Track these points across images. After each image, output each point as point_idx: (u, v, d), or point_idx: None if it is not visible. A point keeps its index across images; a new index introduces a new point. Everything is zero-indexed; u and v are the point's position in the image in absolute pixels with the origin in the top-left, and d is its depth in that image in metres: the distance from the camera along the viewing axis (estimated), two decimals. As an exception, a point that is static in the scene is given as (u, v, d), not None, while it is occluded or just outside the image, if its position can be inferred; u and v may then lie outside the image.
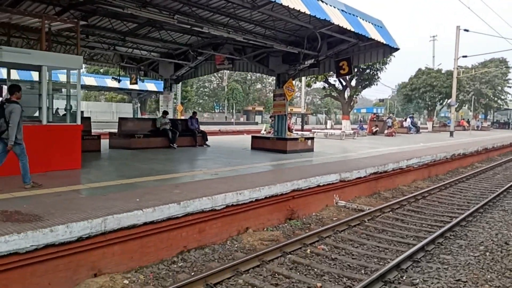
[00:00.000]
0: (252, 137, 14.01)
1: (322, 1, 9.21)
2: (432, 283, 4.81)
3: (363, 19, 10.39)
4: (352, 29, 9.54)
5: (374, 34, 10.45)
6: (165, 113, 13.99)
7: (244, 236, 6.58)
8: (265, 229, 7.12)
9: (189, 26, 10.04)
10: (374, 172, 10.38)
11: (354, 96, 25.25)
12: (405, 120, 31.62)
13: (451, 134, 27.07)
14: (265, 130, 21.28)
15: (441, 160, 15.01)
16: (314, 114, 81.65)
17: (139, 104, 40.26)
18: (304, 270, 5.33)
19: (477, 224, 7.78)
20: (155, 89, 36.80)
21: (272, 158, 11.50)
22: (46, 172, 7.49)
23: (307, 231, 7.01)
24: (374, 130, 25.42)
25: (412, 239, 6.83)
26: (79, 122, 8.17)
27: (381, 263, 5.62)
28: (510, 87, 51.26)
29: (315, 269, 5.34)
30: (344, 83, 25.12)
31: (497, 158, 21.26)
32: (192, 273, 5.07)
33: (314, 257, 5.83)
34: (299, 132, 20.83)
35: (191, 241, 5.84)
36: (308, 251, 6.05)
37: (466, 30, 26.65)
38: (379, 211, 8.55)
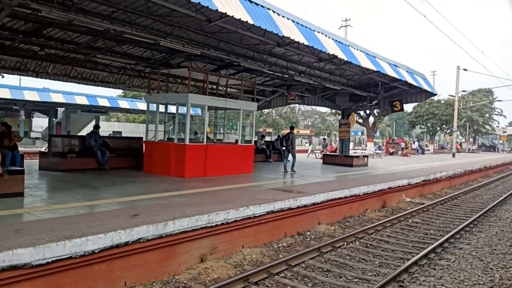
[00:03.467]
0: (324, 155, 18.41)
1: (388, 62, 13.71)
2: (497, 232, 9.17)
3: (414, 74, 14.99)
4: (414, 83, 14.15)
5: (421, 84, 15.06)
6: (263, 136, 18.30)
7: (369, 214, 10.89)
8: (375, 211, 11.44)
9: (280, 74, 14.08)
10: (424, 180, 14.81)
11: (378, 123, 29.99)
12: (413, 143, 36.51)
13: (453, 155, 31.85)
14: (311, 150, 25.64)
15: (457, 175, 19.52)
16: (317, 136, 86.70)
17: (172, 126, 44.38)
18: (408, 231, 9.61)
19: (501, 210, 12.20)
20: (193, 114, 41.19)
21: (347, 170, 15.77)
22: (238, 174, 11.74)
23: (397, 214, 11.27)
24: (391, 151, 30.07)
25: (463, 216, 11.16)
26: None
27: (455, 222, 9.95)
28: (496, 114, 57.00)
29: (416, 230, 9.66)
30: (368, 112, 29.87)
31: (493, 175, 25.88)
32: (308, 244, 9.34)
33: (414, 226, 10.06)
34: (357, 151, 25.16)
35: (296, 227, 10.13)
36: (404, 223, 10.26)
37: (465, 70, 31.66)
38: (433, 205, 12.88)
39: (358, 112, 30.64)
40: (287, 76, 13.83)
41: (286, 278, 5.91)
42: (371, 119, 29.81)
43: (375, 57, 12.09)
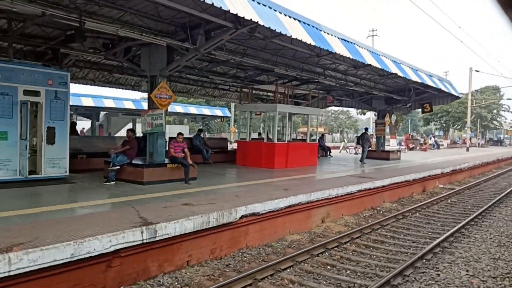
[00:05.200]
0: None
1: (427, 74, 16.51)
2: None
3: (443, 81, 17.76)
4: (445, 89, 16.92)
5: (449, 90, 17.83)
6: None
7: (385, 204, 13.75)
8: (418, 194, 14.26)
9: (333, 84, 16.95)
10: (452, 170, 17.61)
11: (400, 121, 32.85)
12: (430, 139, 39.24)
13: (467, 149, 34.55)
14: (343, 147, 28.46)
15: (476, 166, 22.28)
16: (330, 133, 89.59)
17: (201, 126, 47.50)
18: (451, 207, 12.43)
19: (518, 193, 15.00)
20: (221, 114, 44.27)
21: (386, 162, 18.55)
22: (302, 167, 14.61)
23: (432, 197, 14.04)
24: (411, 146, 32.86)
25: (489, 197, 13.92)
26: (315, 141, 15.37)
27: (484, 201, 12.74)
28: (504, 110, 59.47)
29: (456, 206, 12.48)
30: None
31: (505, 167, 28.56)
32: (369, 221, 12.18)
33: (453, 203, 12.87)
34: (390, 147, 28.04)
35: (371, 203, 12.96)
36: (445, 202, 13.08)
37: (477, 71, 34.29)
38: (462, 189, 15.66)
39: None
40: (338, 85, 16.67)
41: (381, 232, 8.77)
42: (394, 117, 32.60)
43: (417, 70, 14.89)
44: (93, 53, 9.96)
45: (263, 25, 7.16)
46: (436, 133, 65.85)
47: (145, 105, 43.98)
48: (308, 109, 14.96)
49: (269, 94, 18.69)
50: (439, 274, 6.05)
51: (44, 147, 8.40)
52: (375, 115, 29.14)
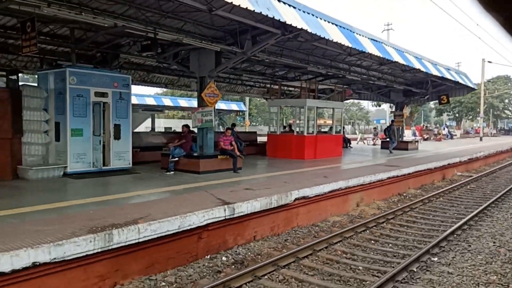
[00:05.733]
0: (382, 141, 22.14)
1: (446, 68, 17.31)
2: (531, 190, 12.87)
3: (460, 74, 18.54)
4: (462, 82, 17.73)
5: (466, 82, 18.62)
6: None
7: (410, 190, 14.68)
8: (439, 181, 15.19)
9: (358, 79, 17.90)
10: (469, 158, 18.46)
11: (415, 112, 33.62)
12: (444, 129, 39.90)
13: (481, 139, 35.18)
14: (360, 139, 29.34)
15: (491, 154, 23.05)
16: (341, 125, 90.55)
17: (218, 120, 48.65)
18: (471, 192, 13.35)
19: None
20: (236, 108, 45.43)
21: (405, 153, 19.40)
22: (327, 157, 15.60)
23: (452, 183, 14.94)
24: (426, 137, 33.60)
25: (505, 183, 14.79)
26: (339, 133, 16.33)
27: (501, 187, 13.62)
28: (516, 100, 59.76)
29: (476, 192, 13.39)
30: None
31: (518, 155, 29.28)
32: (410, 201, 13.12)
33: (472, 189, 13.78)
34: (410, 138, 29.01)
35: (397, 190, 13.89)
36: (464, 188, 13.99)
37: (490, 62, 34.81)
38: (480, 177, 16.53)
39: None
40: (361, 80, 17.62)
41: (412, 214, 9.76)
42: (408, 109, 33.37)
43: (436, 64, 15.73)
44: (146, 57, 11.01)
45: (308, 31, 8.13)
46: (448, 123, 66.48)
47: (165, 101, 45.09)
48: (334, 103, 15.93)
49: (290, 89, 19.69)
50: (470, 245, 7.04)
51: (112, 142, 9.51)
52: (390, 106, 29.93)
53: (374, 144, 25.12)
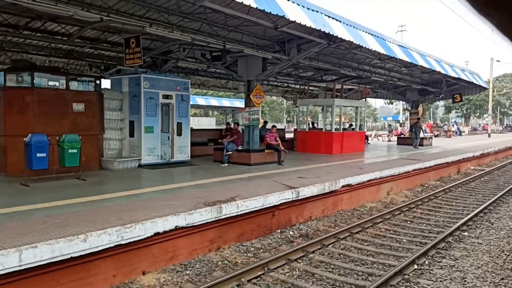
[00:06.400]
0: (398, 137, 23.43)
1: (461, 69, 18.53)
2: (541, 181, 14.15)
3: (473, 74, 19.78)
4: (476, 82, 18.97)
5: (479, 82, 19.85)
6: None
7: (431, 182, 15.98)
8: (455, 174, 16.47)
9: (382, 80, 19.20)
10: (481, 153, 19.72)
11: (426, 110, 34.83)
12: (453, 126, 41.11)
13: (489, 135, 36.34)
14: (375, 135, 30.65)
15: (500, 150, 24.27)
16: (349, 122, 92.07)
17: (231, 118, 50.11)
18: (485, 184, 14.63)
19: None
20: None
21: (421, 148, 20.74)
22: (353, 152, 16.93)
23: (467, 176, 16.22)
24: (436, 133, 34.82)
25: (519, 176, 16.05)
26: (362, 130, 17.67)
27: (511, 181, 14.90)
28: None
29: (489, 183, 14.67)
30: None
31: (527, 151, 30.44)
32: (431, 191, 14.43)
33: (486, 181, 15.06)
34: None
35: (420, 181, 15.20)
36: (479, 180, 15.27)
37: (498, 61, 35.85)
38: (492, 170, 17.79)
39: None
40: (383, 80, 18.97)
41: (437, 201, 11.08)
42: (420, 107, 34.68)
43: (453, 66, 17.00)
44: (199, 62, 12.38)
45: (353, 42, 9.46)
46: (453, 120, 67.74)
47: (212, 101, 46.77)
48: (358, 102, 17.25)
49: (311, 89, 20.99)
50: (492, 224, 8.37)
51: (175, 138, 10.90)
52: (403, 105, 31.09)
53: (389, 141, 26.37)
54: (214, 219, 6.03)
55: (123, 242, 4.81)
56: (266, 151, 11.63)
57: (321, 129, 16.31)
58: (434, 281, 5.32)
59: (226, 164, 11.12)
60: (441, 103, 54.12)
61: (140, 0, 7.60)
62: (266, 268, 5.59)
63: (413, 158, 14.84)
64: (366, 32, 10.41)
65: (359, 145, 17.06)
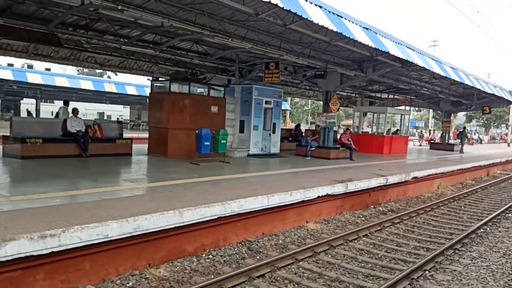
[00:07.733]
0: (431, 143, 25.97)
1: (493, 85, 21.00)
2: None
3: (503, 90, 22.25)
4: (505, 97, 21.45)
5: (508, 97, 22.32)
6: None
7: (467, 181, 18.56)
8: (485, 176, 19.02)
9: (428, 92, 21.77)
10: (506, 159, 22.22)
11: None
12: (474, 134, 43.43)
13: (509, 144, 38.61)
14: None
15: (523, 158, 26.69)
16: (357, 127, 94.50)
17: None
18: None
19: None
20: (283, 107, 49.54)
21: (452, 153, 23.22)
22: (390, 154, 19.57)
23: (496, 178, 18.70)
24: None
25: (542, 180, 18.53)
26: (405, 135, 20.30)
27: (540, 183, 17.39)
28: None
29: (522, 183, 17.22)
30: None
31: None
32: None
33: (509, 186, 17.60)
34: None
35: (459, 179, 17.79)
36: (507, 182, 17.78)
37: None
38: (517, 175, 20.26)
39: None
40: (429, 93, 21.58)
41: (478, 195, 13.70)
42: (452, 116, 37.29)
43: (488, 83, 19.54)
44: (286, 74, 15.18)
45: (425, 67, 12.19)
46: (470, 129, 69.92)
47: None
48: (404, 110, 19.91)
49: (358, 96, 23.69)
50: (528, 211, 11.02)
51: (271, 135, 13.73)
52: (429, 112, 33.36)
53: (420, 145, 28.87)
54: (342, 192, 8.82)
55: (305, 199, 7.63)
56: (340, 148, 14.38)
57: (367, 132, 19.05)
58: (499, 237, 8.06)
59: (309, 158, 13.89)
60: (462, 112, 56.77)
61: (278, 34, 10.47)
62: (363, 234, 8.37)
63: (452, 160, 17.44)
64: (419, 53, 13.05)
65: (403, 148, 19.71)
